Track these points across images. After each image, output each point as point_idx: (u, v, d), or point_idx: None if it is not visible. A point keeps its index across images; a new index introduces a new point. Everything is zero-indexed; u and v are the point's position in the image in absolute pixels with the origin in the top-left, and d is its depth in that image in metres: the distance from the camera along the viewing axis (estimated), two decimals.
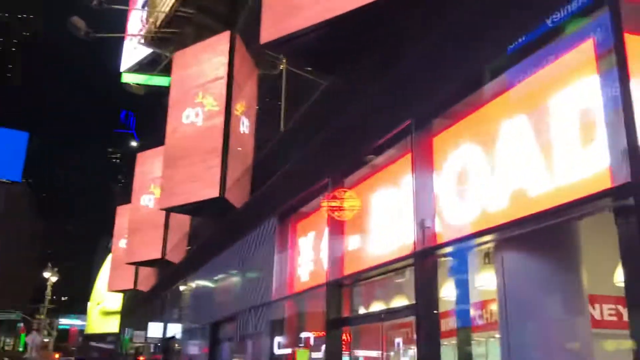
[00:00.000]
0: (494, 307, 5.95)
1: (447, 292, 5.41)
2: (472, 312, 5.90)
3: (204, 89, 11.70)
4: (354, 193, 6.69)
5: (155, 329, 18.63)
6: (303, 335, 8.19)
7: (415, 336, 5.24)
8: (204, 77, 11.75)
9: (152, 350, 20.76)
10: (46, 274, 43.27)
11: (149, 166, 16.28)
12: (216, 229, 12.38)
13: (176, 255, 15.39)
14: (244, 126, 11.48)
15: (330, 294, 6.69)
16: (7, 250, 57.58)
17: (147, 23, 13.86)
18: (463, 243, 4.64)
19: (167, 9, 13.57)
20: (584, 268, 4.37)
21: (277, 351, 8.56)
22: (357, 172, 6.66)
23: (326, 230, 7.03)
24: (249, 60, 12.03)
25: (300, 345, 7.95)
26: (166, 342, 17.81)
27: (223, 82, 11.25)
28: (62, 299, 78.93)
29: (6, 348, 62.41)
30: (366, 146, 6.24)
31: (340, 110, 6.62)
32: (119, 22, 20.88)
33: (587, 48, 3.73)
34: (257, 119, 11.91)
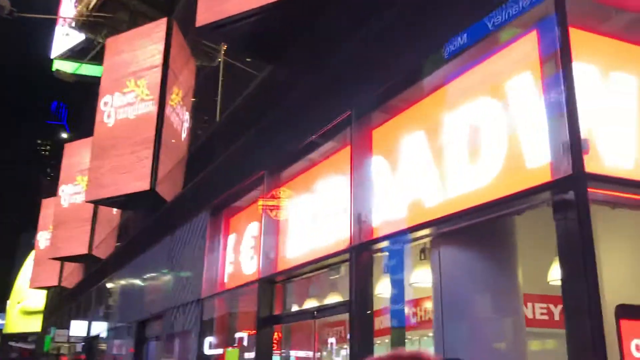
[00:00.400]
0: (428, 305, 5.87)
1: (382, 289, 5.27)
2: (407, 310, 5.79)
3: (137, 77, 11.20)
4: (291, 191, 6.47)
5: (78, 328, 17.81)
6: (234, 334, 7.93)
7: (348, 335, 5.07)
8: (138, 65, 11.25)
9: (77, 349, 19.89)
10: None
11: (77, 157, 15.58)
12: (146, 224, 11.89)
13: (104, 251, 14.77)
14: (179, 117, 11.06)
15: (262, 290, 6.44)
16: None
17: (79, 5, 13.17)
18: (399, 237, 4.50)
19: None
20: (520, 266, 4.30)
21: (207, 351, 8.23)
22: (294, 165, 6.43)
23: (260, 225, 6.78)
24: (186, 49, 11.62)
25: (233, 345, 7.68)
26: (90, 341, 17.06)
27: (158, 71, 10.79)
28: None
29: None
30: (304, 138, 6.03)
31: (278, 101, 6.41)
32: (52, 6, 19.90)
33: (530, 39, 3.64)
34: (193, 111, 11.52)
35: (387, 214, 4.73)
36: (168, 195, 9.94)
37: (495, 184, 3.73)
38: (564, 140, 3.20)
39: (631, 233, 4.22)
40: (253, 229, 7.22)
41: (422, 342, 6.17)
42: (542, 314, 5.62)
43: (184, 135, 11.11)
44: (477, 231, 4.12)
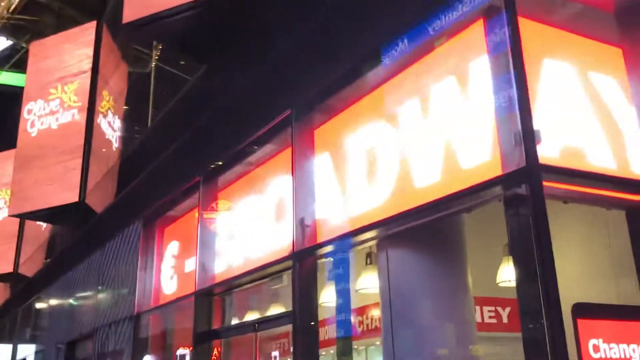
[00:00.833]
0: (375, 312, 5.64)
1: (327, 297, 4.99)
2: (352, 319, 5.54)
3: (64, 83, 10.61)
4: (229, 197, 6.14)
5: (2, 352, 16.68)
6: (171, 351, 7.47)
7: (292, 348, 4.76)
8: (65, 70, 10.63)
9: None
10: None
11: (1, 170, 14.66)
12: (75, 238, 11.21)
13: (31, 269, 13.92)
14: (109, 124, 10.51)
15: (198, 304, 6.05)
16: None
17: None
18: (344, 241, 4.23)
19: None
20: (469, 267, 4.12)
21: None
22: (232, 170, 6.10)
23: (196, 235, 6.39)
24: (116, 53, 11.08)
25: None
26: None
27: (87, 76, 10.25)
28: None
29: None
30: (242, 141, 5.71)
31: (212, 103, 6.07)
32: None
33: (477, 29, 3.48)
34: (124, 118, 10.99)
35: (331, 218, 4.47)
36: (98, 207, 9.38)
37: (442, 181, 3.53)
38: (515, 131, 3.03)
39: (581, 229, 4.12)
40: (188, 239, 6.81)
41: (369, 351, 5.93)
42: (490, 317, 5.49)
43: (115, 143, 10.55)
44: (425, 232, 3.92)
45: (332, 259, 4.54)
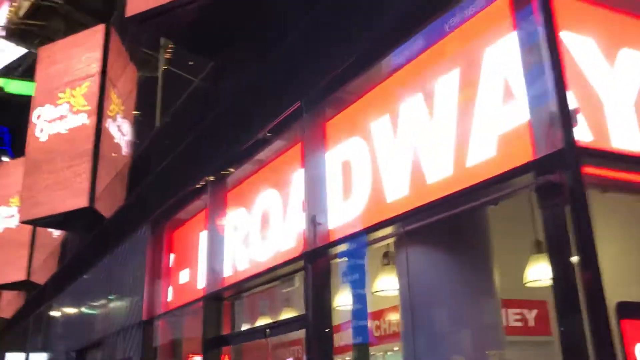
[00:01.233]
0: (393, 316, 5.32)
1: (341, 300, 4.68)
2: (369, 324, 5.23)
3: (72, 87, 10.48)
4: (238, 197, 5.87)
5: None
6: (180, 358, 7.22)
7: (305, 355, 4.46)
8: (74, 74, 10.52)
9: None
10: None
11: (13, 178, 14.58)
12: (84, 244, 11.02)
13: (43, 276, 13.81)
14: (118, 128, 10.33)
15: (207, 309, 5.77)
16: None
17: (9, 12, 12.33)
18: (359, 238, 3.92)
19: None
20: (496, 266, 3.80)
21: None
22: (241, 168, 5.83)
23: (205, 237, 6.13)
24: (125, 56, 10.92)
25: None
26: None
27: (95, 80, 10.12)
28: None
29: None
30: (250, 138, 5.43)
31: (220, 101, 5.83)
32: None
33: (503, 4, 3.18)
34: (134, 121, 10.81)
35: (345, 214, 4.16)
36: (107, 212, 9.18)
37: (464, 172, 3.22)
38: (548, 112, 2.72)
39: (621, 220, 3.78)
40: (197, 241, 6.55)
41: (386, 357, 5.61)
42: (515, 320, 5.14)
43: (124, 147, 10.37)
44: (448, 229, 3.60)
45: (346, 259, 4.24)
